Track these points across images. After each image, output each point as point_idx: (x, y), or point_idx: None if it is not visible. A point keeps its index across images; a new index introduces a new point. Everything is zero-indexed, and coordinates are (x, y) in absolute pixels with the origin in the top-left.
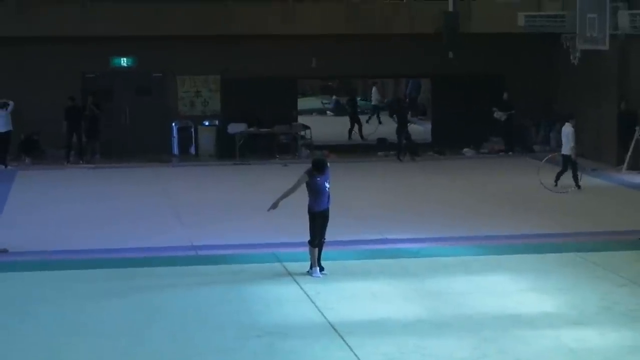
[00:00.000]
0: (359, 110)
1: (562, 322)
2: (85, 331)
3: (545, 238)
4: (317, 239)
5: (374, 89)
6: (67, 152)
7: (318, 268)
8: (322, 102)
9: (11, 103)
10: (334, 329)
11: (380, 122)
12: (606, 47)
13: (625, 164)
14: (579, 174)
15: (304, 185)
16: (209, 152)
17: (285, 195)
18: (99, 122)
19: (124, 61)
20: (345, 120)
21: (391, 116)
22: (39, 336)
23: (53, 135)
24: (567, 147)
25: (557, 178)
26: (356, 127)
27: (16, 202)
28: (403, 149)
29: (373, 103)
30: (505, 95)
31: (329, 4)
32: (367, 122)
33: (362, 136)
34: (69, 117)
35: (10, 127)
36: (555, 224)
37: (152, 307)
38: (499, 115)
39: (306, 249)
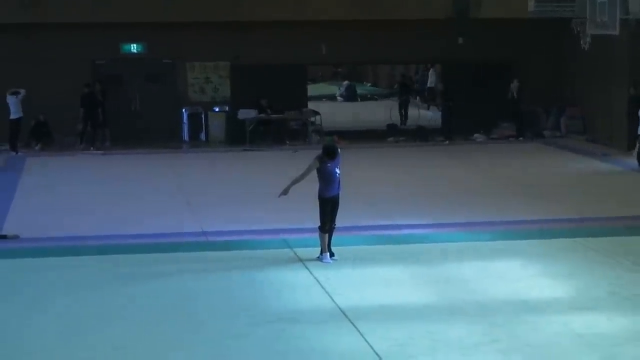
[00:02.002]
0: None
1: (571, 307)
2: (96, 318)
3: (555, 223)
4: (327, 225)
5: (431, 71)
6: (80, 138)
7: (328, 254)
8: (338, 88)
9: (22, 91)
10: (344, 315)
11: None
12: (616, 32)
13: (637, 149)
14: None
15: (314, 171)
16: (219, 138)
17: (296, 181)
18: (105, 110)
19: (134, 48)
20: (357, 106)
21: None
22: (50, 322)
23: (63, 122)
24: None
25: None
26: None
27: (26, 188)
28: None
29: (429, 86)
30: (515, 82)
31: None
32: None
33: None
34: (85, 104)
35: (20, 114)
36: (565, 209)
37: (162, 292)
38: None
39: (316, 235)
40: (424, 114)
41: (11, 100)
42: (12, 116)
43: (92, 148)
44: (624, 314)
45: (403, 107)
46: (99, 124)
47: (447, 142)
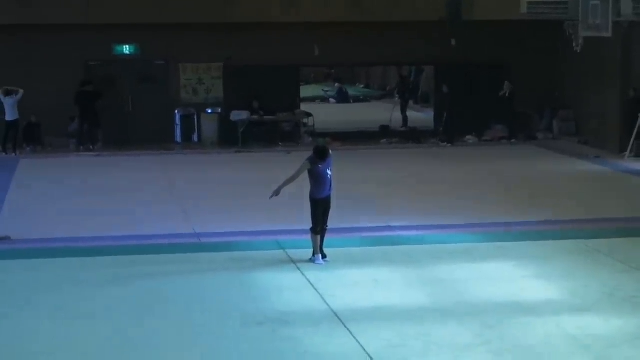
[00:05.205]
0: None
1: (565, 308)
2: (87, 318)
3: (548, 225)
4: (319, 226)
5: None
6: (79, 137)
7: (320, 255)
8: (323, 90)
9: (21, 91)
10: (336, 316)
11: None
12: (609, 34)
13: (629, 151)
14: None
15: (306, 173)
16: (212, 140)
17: (287, 182)
18: (98, 111)
19: (126, 49)
20: (349, 107)
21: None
22: (41, 323)
23: (56, 124)
24: None
25: None
26: (392, 109)
27: (18, 189)
28: (451, 133)
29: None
30: (506, 85)
31: None
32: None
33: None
34: (79, 102)
35: (17, 116)
36: (558, 211)
37: (154, 294)
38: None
39: (308, 237)
40: (416, 116)
41: (8, 101)
42: (9, 117)
43: (90, 146)
44: (620, 315)
45: (404, 108)
46: (93, 124)
47: (450, 145)
